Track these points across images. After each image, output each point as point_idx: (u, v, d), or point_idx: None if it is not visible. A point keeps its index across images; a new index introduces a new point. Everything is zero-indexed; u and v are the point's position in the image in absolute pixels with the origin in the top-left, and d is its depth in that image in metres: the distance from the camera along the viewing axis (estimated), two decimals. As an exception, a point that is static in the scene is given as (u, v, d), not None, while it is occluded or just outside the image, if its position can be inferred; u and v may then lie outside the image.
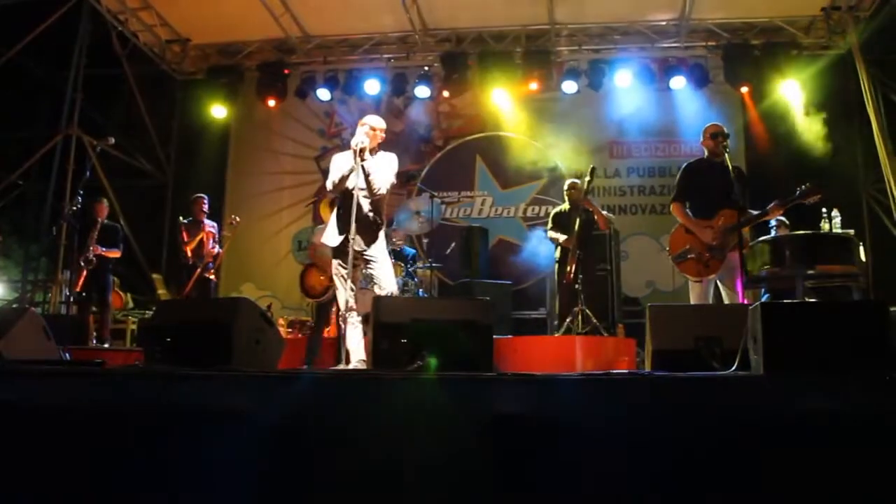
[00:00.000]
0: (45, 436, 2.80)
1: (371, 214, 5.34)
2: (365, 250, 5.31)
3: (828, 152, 9.37)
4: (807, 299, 5.95)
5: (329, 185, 5.42)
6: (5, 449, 2.84)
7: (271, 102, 11.49)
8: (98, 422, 2.79)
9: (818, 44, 10.31)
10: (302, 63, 11.58)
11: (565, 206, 8.16)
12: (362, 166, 5.22)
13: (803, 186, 5.34)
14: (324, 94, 11.35)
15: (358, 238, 5.19)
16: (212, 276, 8.34)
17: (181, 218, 8.57)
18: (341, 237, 5.28)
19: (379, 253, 5.37)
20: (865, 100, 9.25)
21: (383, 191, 5.35)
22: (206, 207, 8.40)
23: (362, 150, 5.24)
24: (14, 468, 2.79)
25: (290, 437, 2.69)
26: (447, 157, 11.55)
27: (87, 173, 8.30)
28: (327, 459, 2.61)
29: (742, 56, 10.37)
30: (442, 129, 11.72)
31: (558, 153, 10.99)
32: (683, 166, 6.07)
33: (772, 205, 5.49)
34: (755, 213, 5.56)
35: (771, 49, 10.31)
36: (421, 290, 8.35)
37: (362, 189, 5.27)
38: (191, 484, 2.70)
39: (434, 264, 8.57)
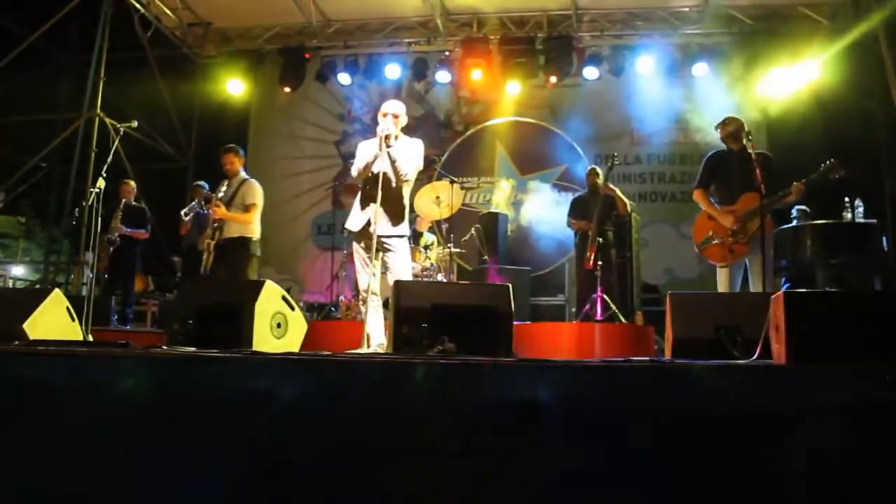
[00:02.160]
0: (66, 414, 2.84)
1: (394, 201, 5.33)
2: (386, 236, 5.30)
3: (851, 139, 9.25)
4: (827, 289, 5.91)
5: (354, 172, 5.46)
6: (27, 425, 2.89)
7: (291, 87, 11.51)
8: (121, 402, 2.83)
9: (842, 29, 10.13)
10: (322, 47, 11.58)
11: (586, 192, 8.14)
12: (388, 153, 5.24)
13: (826, 163, 5.31)
14: (344, 78, 11.37)
15: (381, 223, 5.20)
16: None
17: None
18: (364, 222, 5.30)
19: (399, 241, 5.37)
20: (890, 86, 9.13)
21: (410, 177, 5.36)
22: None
23: (388, 137, 5.26)
24: (36, 444, 2.84)
25: (310, 419, 2.71)
26: (467, 142, 11.54)
27: (111, 156, 8.36)
28: (346, 441, 2.64)
29: (765, 42, 10.25)
30: (462, 114, 11.72)
31: (578, 139, 10.94)
32: (707, 156, 6.08)
33: (794, 184, 5.46)
34: (778, 194, 5.53)
35: (794, 35, 10.18)
36: (440, 275, 8.36)
37: (388, 175, 5.27)
38: (210, 464, 2.73)
39: (453, 249, 8.56)
